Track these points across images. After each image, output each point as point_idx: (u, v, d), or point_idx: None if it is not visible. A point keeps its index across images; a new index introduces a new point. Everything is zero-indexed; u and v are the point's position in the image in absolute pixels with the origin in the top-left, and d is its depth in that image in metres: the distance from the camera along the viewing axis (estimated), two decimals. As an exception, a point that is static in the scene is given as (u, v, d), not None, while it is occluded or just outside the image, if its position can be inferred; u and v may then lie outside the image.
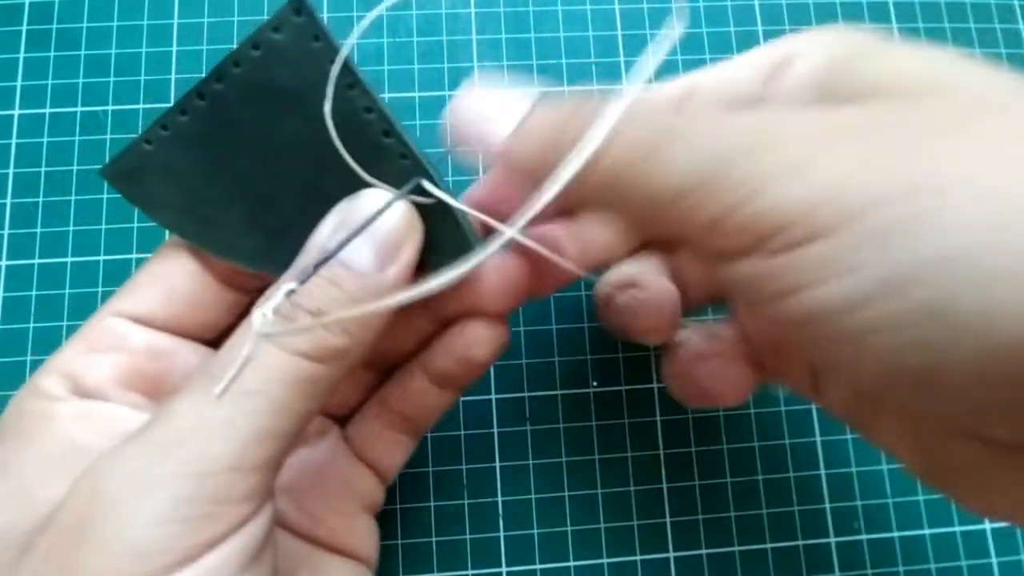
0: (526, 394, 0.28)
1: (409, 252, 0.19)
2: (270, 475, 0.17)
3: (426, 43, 0.31)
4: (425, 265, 0.19)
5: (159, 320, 0.21)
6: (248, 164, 0.20)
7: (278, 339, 0.17)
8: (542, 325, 0.28)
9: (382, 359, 0.23)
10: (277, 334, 0.17)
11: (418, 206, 0.19)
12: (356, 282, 0.18)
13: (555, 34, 0.31)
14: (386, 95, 0.30)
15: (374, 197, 0.19)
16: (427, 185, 0.19)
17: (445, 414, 0.23)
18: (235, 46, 0.19)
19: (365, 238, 0.18)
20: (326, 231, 0.19)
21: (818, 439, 0.28)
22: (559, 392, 0.28)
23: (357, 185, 0.19)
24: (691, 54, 0.31)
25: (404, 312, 0.21)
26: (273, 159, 0.20)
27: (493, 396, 0.27)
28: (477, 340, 0.22)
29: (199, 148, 0.20)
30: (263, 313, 0.18)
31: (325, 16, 0.30)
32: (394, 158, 0.19)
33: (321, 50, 0.18)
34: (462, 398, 0.27)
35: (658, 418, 0.28)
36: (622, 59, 0.31)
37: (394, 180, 0.19)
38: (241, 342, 0.17)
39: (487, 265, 0.21)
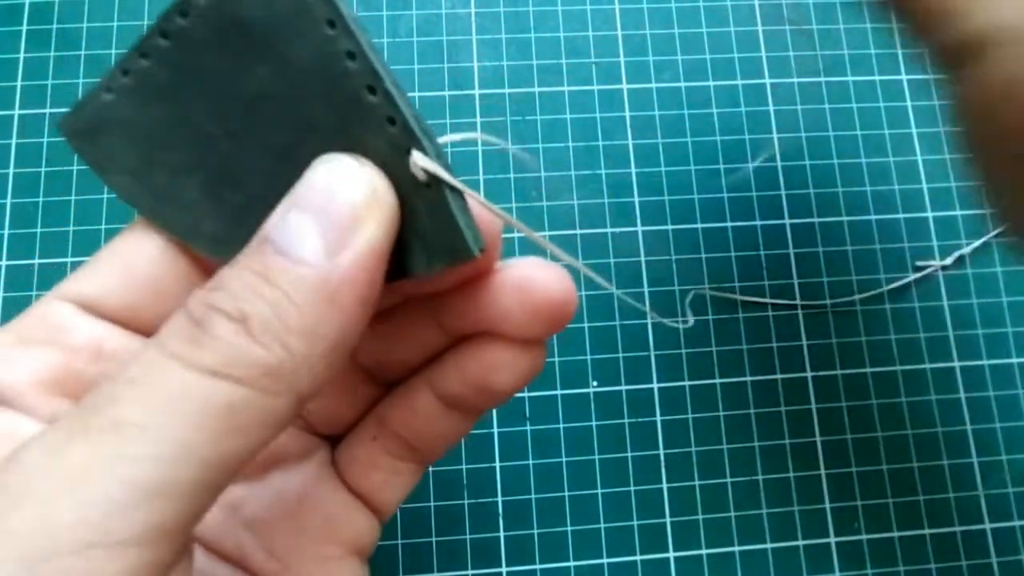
0: (526, 394, 0.28)
1: (370, 233, 0.14)
2: (168, 548, 0.12)
3: (426, 43, 0.31)
4: (412, 263, 0.16)
5: (112, 307, 0.17)
6: (211, 124, 0.16)
7: (185, 352, 0.13)
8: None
9: (382, 369, 0.20)
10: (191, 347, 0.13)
11: (410, 184, 0.15)
12: (293, 272, 0.14)
13: (555, 34, 0.31)
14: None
15: (330, 165, 0.15)
16: (417, 157, 0.15)
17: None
18: None
19: (310, 214, 0.14)
20: (275, 216, 0.15)
21: (818, 439, 0.28)
22: (559, 392, 0.28)
23: None
24: (691, 54, 0.31)
25: (404, 316, 0.19)
26: (239, 118, 0.16)
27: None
28: (497, 366, 0.17)
29: (161, 101, 0.16)
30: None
31: (325, 16, 0.30)
32: (380, 121, 0.15)
33: None
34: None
35: (658, 418, 0.28)
36: (622, 59, 0.31)
37: (379, 150, 0.15)
38: (139, 355, 0.13)
39: (510, 278, 0.17)
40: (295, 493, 0.19)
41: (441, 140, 0.17)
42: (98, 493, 0.12)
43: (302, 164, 0.15)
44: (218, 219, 0.17)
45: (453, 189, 0.15)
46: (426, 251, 0.15)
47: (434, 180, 0.15)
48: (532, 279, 0.17)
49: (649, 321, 0.28)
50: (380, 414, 0.19)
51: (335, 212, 0.14)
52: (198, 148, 0.17)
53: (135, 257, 0.17)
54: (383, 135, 0.15)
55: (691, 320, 0.26)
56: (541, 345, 0.18)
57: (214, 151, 0.16)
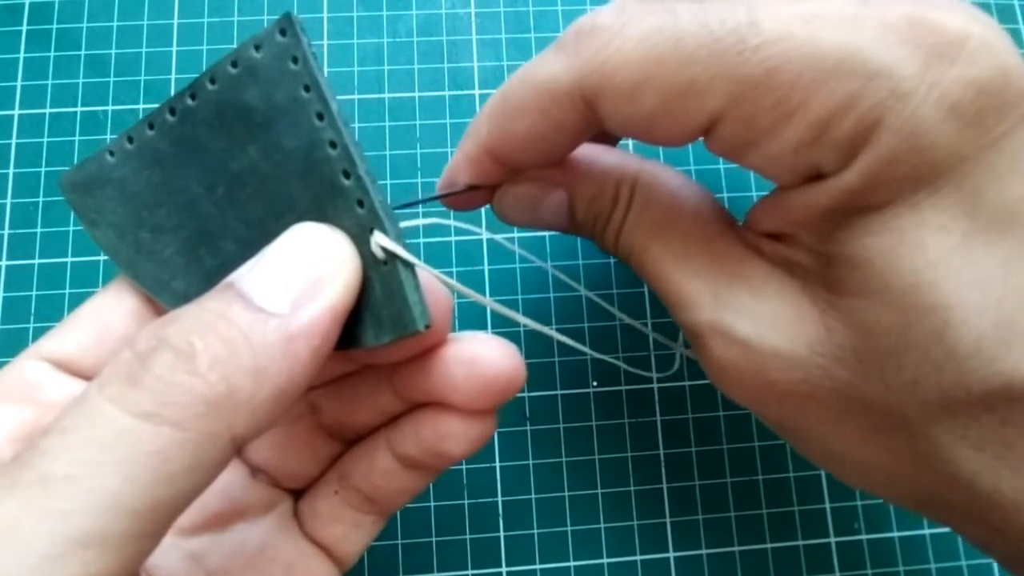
0: (526, 394, 0.28)
1: (333, 294, 0.15)
2: None
3: (426, 43, 0.31)
4: (363, 334, 0.17)
5: (87, 365, 0.18)
6: (199, 192, 0.18)
7: (121, 394, 0.13)
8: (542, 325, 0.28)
9: (342, 428, 0.21)
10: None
11: (369, 261, 0.17)
12: (253, 316, 0.14)
13: (555, 34, 0.31)
14: (386, 95, 0.30)
15: (307, 228, 0.16)
16: (378, 236, 0.16)
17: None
18: (223, 57, 0.18)
19: (277, 266, 0.15)
20: (245, 267, 0.16)
21: (818, 439, 0.28)
22: (559, 392, 0.28)
23: None
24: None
25: (363, 381, 0.20)
26: (225, 189, 0.18)
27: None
28: (448, 434, 0.19)
29: (156, 166, 0.18)
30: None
31: (324, 16, 0.30)
32: (351, 203, 0.17)
33: (297, 74, 0.17)
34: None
35: (658, 418, 0.28)
36: (622, 59, 0.31)
37: (347, 228, 0.17)
38: (77, 400, 0.14)
39: (458, 353, 0.18)
40: (257, 544, 0.19)
41: (414, 222, 0.19)
42: (27, 548, 0.12)
43: (277, 235, 0.16)
44: (190, 277, 0.18)
45: (407, 266, 0.16)
46: (376, 323, 0.17)
47: (391, 258, 0.16)
48: (479, 356, 0.18)
49: (649, 322, 0.28)
50: (341, 470, 0.20)
51: (304, 269, 0.15)
52: (183, 211, 0.18)
53: (111, 316, 0.18)
54: (351, 215, 0.17)
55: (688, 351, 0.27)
56: (491, 414, 0.19)
57: (197, 215, 0.18)
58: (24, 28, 0.30)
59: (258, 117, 0.17)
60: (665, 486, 0.27)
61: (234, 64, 0.17)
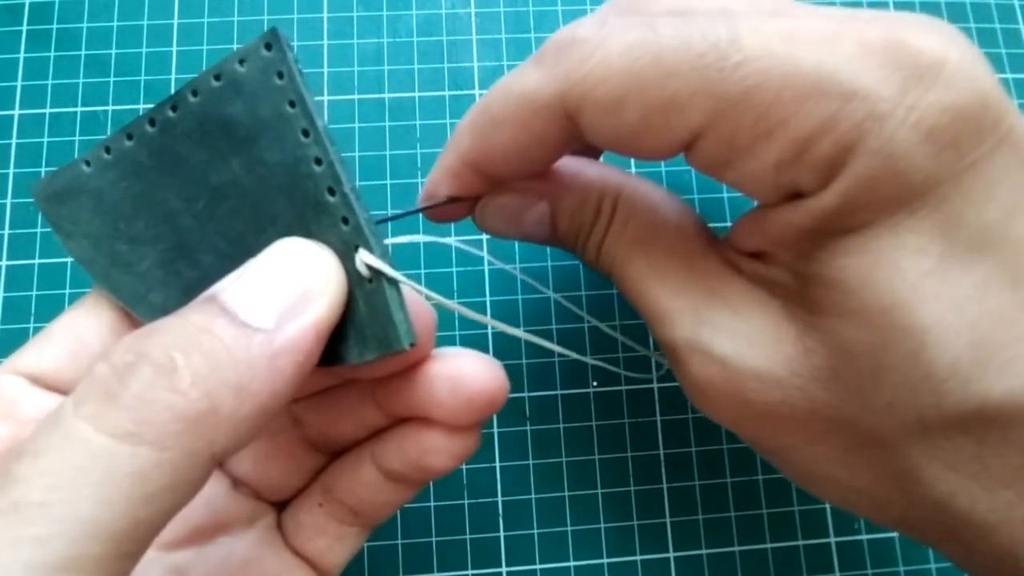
0: (526, 394, 0.28)
1: (319, 310, 0.15)
2: None
3: (426, 43, 0.31)
4: (346, 351, 0.17)
5: (64, 380, 0.18)
6: (179, 204, 0.18)
7: (97, 412, 0.13)
8: (542, 324, 0.28)
9: (326, 440, 0.21)
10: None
11: (354, 279, 0.17)
12: (237, 330, 0.14)
13: (555, 34, 0.31)
14: (386, 95, 0.30)
15: (293, 243, 0.16)
16: (363, 254, 0.16)
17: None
18: (206, 70, 0.18)
19: (263, 281, 0.15)
20: (228, 279, 0.15)
21: (818, 439, 0.28)
22: (559, 392, 0.28)
23: None
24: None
25: (346, 395, 0.20)
26: (205, 202, 0.18)
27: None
28: (432, 449, 0.19)
29: (135, 177, 0.18)
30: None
31: (324, 16, 0.30)
32: (335, 220, 0.17)
33: (282, 89, 0.17)
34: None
35: (658, 418, 0.28)
36: (622, 59, 0.31)
37: (331, 245, 0.17)
38: (51, 418, 0.13)
39: (442, 370, 0.18)
40: (241, 558, 0.19)
41: (399, 239, 0.19)
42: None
43: (258, 249, 0.16)
44: (168, 290, 0.18)
45: (392, 283, 0.16)
46: (360, 341, 0.17)
47: (376, 276, 0.16)
48: (463, 373, 0.18)
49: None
50: (325, 482, 0.20)
51: (290, 284, 0.15)
52: (161, 222, 0.18)
53: (86, 330, 0.18)
54: (336, 232, 0.17)
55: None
56: (475, 429, 0.19)
57: (176, 227, 0.18)
58: (24, 28, 0.30)
59: (241, 131, 0.17)
60: (665, 486, 0.27)
61: (217, 77, 0.17)
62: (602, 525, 0.27)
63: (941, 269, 0.15)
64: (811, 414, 0.17)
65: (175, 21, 0.30)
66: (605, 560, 0.26)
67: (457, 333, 0.28)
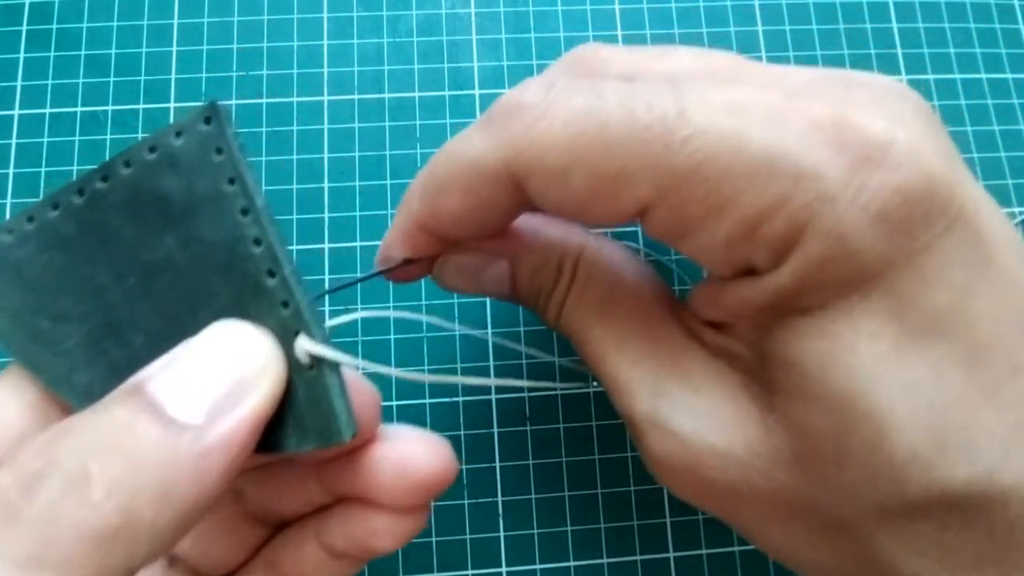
0: (526, 394, 0.28)
1: (255, 402, 0.14)
2: None
3: (426, 43, 0.31)
4: (284, 438, 0.16)
5: None
6: (108, 280, 0.17)
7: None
8: (542, 324, 0.28)
9: (269, 514, 0.20)
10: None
11: (293, 364, 0.16)
12: (163, 430, 0.13)
13: (555, 34, 0.31)
14: (386, 95, 0.30)
15: (229, 327, 0.15)
16: (303, 340, 0.15)
17: (446, 411, 0.22)
18: (139, 141, 0.17)
19: (194, 368, 0.14)
20: (157, 365, 0.14)
21: (818, 439, 0.28)
22: (559, 392, 0.28)
23: None
24: (691, 54, 0.31)
25: (289, 470, 0.19)
26: (136, 279, 0.17)
27: (493, 396, 0.27)
28: (376, 531, 0.18)
29: (60, 250, 0.17)
30: None
31: (324, 17, 0.30)
32: (275, 304, 0.16)
33: (221, 165, 0.16)
34: (461, 397, 0.27)
35: (658, 418, 0.28)
36: (622, 59, 0.31)
37: (271, 328, 0.16)
38: None
39: (387, 454, 0.18)
40: None
41: (344, 319, 0.18)
42: None
43: (191, 331, 0.15)
44: (95, 370, 0.17)
45: (333, 369, 0.16)
46: (299, 430, 0.16)
47: (316, 363, 0.16)
48: (408, 457, 0.18)
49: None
50: (268, 557, 0.20)
51: (224, 373, 0.14)
52: (88, 299, 0.17)
53: (7, 410, 0.17)
54: (275, 315, 0.16)
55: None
56: (422, 510, 0.18)
57: (104, 304, 0.17)
58: (24, 28, 0.30)
59: (176, 206, 0.16)
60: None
61: (152, 149, 0.16)
62: (602, 525, 0.27)
63: (896, 352, 0.15)
64: (773, 495, 0.17)
65: (175, 21, 0.30)
66: (605, 560, 0.26)
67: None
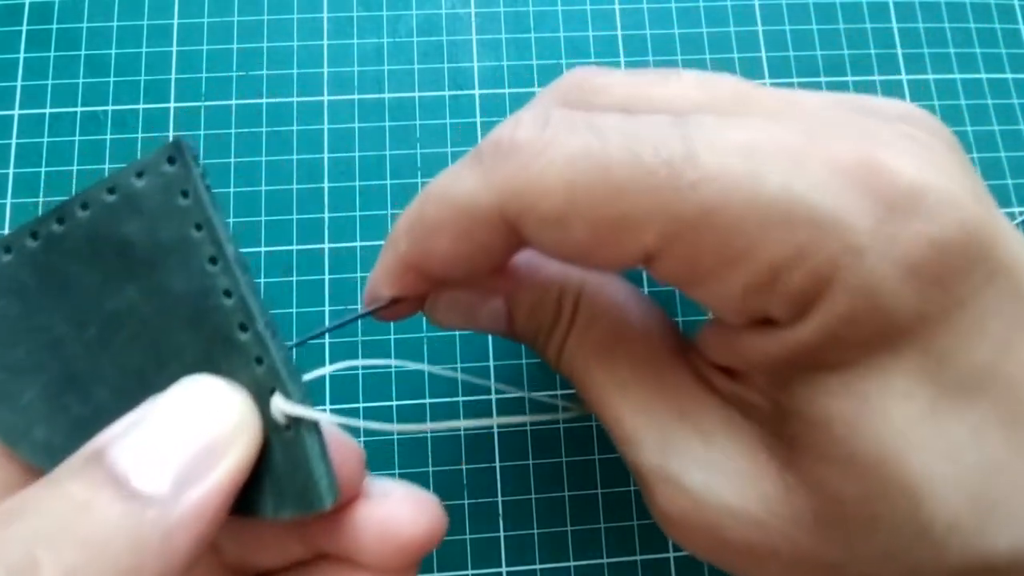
0: (526, 394, 0.27)
1: (227, 469, 0.13)
2: None
3: (426, 43, 0.31)
4: (260, 502, 0.15)
5: None
6: (67, 330, 0.16)
7: None
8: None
9: (245, 569, 0.19)
10: None
11: (269, 423, 0.15)
12: (125, 506, 0.12)
13: (555, 34, 0.31)
14: (386, 95, 0.30)
15: (198, 384, 0.14)
16: (279, 400, 0.14)
17: (446, 411, 0.21)
18: (98, 181, 0.16)
19: (160, 433, 0.13)
20: (119, 427, 0.13)
21: (818, 439, 0.28)
22: (559, 392, 0.28)
23: None
24: (691, 54, 0.31)
25: (269, 528, 0.18)
26: (96, 331, 0.15)
27: (493, 396, 0.27)
28: None
29: (13, 297, 0.16)
30: None
31: (324, 17, 0.30)
32: (248, 360, 0.15)
33: (187, 210, 0.15)
34: (462, 397, 0.27)
35: (658, 418, 0.28)
36: (622, 59, 0.31)
37: (245, 385, 0.15)
38: None
39: (371, 514, 0.16)
40: None
41: (322, 371, 0.18)
42: None
43: (158, 386, 0.14)
44: (54, 426, 0.16)
45: (313, 430, 0.15)
46: (276, 493, 0.15)
47: (294, 424, 0.14)
48: (392, 518, 0.16)
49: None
50: None
51: (193, 437, 0.13)
52: (47, 350, 0.16)
53: None
54: (249, 372, 0.15)
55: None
56: (408, 571, 0.17)
57: (64, 356, 0.16)
58: (24, 28, 0.30)
59: (139, 253, 0.15)
60: (665, 486, 0.27)
61: (111, 191, 0.15)
62: (602, 525, 0.27)
63: (932, 415, 0.14)
64: (794, 556, 0.15)
65: (175, 21, 0.30)
66: (605, 560, 0.26)
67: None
